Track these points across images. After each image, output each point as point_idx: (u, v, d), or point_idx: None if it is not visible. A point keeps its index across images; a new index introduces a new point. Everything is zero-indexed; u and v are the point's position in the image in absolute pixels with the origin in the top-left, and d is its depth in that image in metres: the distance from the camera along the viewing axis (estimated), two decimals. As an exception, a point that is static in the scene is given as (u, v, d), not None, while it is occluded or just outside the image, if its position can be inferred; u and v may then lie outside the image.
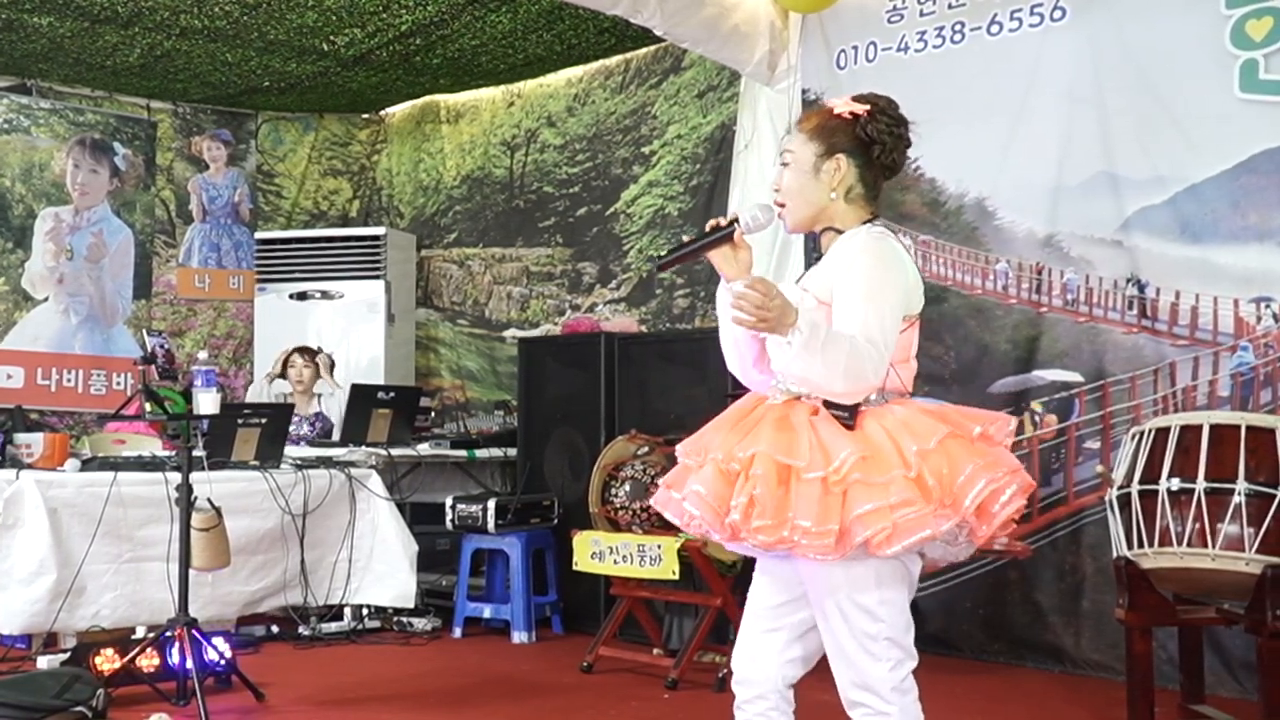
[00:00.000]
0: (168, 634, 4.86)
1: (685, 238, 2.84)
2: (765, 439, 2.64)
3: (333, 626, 6.39)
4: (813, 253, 2.97)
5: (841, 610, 2.68)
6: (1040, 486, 5.82)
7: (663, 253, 2.83)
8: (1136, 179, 5.56)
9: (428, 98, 9.17)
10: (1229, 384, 5.28)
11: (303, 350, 7.51)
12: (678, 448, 2.88)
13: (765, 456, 2.60)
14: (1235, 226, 5.29)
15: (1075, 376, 5.77)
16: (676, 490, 2.78)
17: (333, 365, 7.58)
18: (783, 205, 2.86)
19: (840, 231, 2.84)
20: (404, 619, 6.60)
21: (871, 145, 2.83)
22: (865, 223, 2.84)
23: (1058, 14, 5.85)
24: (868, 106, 2.85)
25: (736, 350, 2.88)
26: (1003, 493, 2.62)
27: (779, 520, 2.55)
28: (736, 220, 2.76)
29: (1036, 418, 5.86)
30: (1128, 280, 5.59)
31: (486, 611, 6.63)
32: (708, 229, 2.79)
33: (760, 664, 2.86)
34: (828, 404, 2.67)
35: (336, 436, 7.10)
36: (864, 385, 2.64)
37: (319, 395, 7.46)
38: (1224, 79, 5.29)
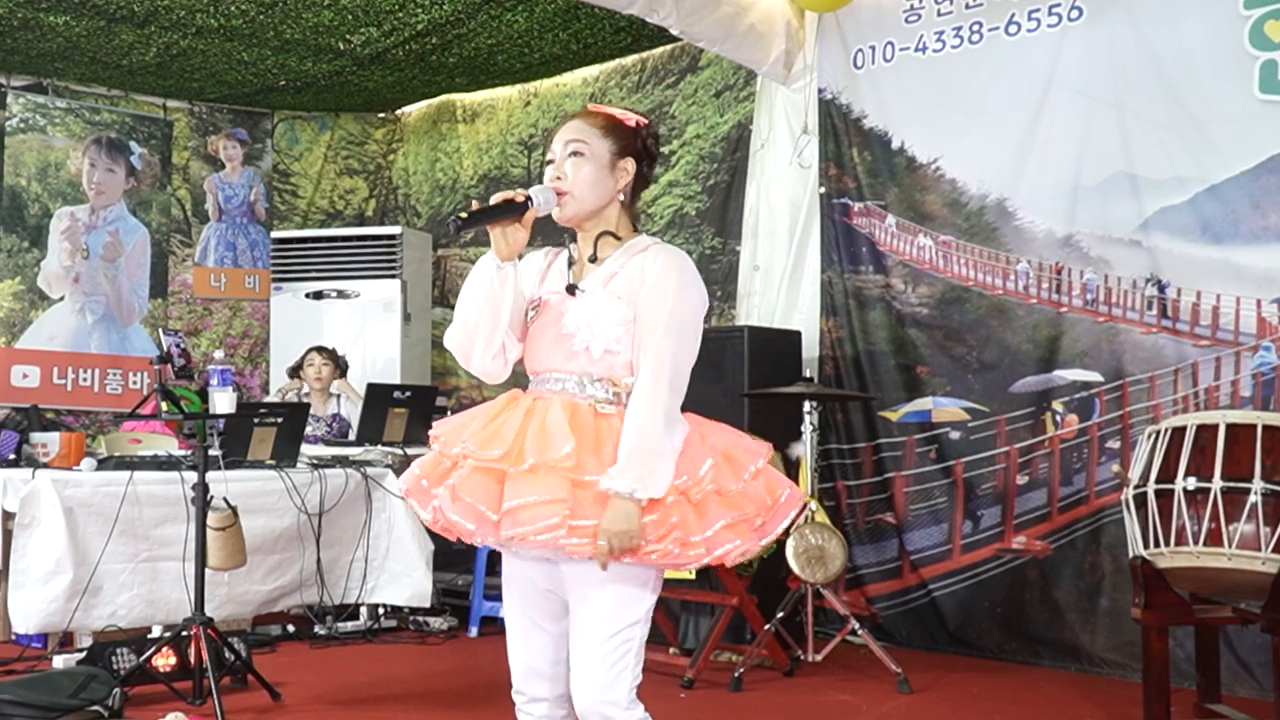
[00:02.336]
0: (184, 633, 4.87)
1: (475, 204, 2.71)
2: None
3: (349, 626, 6.39)
4: (586, 256, 2.85)
5: (603, 613, 2.67)
6: (1061, 486, 5.84)
7: (464, 215, 2.66)
8: (1156, 179, 5.55)
9: (444, 97, 9.18)
10: (1250, 384, 5.26)
11: (321, 349, 7.51)
12: (435, 437, 2.86)
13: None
14: (1256, 227, 5.28)
15: (1095, 376, 5.76)
16: (436, 485, 2.77)
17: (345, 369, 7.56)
18: (564, 193, 2.77)
19: (618, 238, 2.80)
20: (420, 618, 6.60)
21: (644, 157, 2.82)
22: (638, 232, 2.83)
23: (1075, 14, 5.83)
24: (645, 119, 2.84)
25: (491, 333, 2.77)
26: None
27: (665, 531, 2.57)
28: (530, 199, 2.71)
29: (1058, 417, 5.85)
30: (1147, 280, 5.58)
31: (502, 610, 6.61)
32: (498, 200, 2.70)
33: (541, 677, 2.90)
34: None
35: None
36: (680, 433, 2.62)
37: (336, 395, 7.46)
38: (1243, 79, 5.28)
